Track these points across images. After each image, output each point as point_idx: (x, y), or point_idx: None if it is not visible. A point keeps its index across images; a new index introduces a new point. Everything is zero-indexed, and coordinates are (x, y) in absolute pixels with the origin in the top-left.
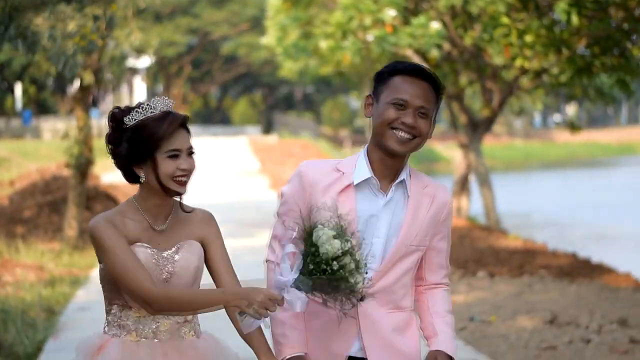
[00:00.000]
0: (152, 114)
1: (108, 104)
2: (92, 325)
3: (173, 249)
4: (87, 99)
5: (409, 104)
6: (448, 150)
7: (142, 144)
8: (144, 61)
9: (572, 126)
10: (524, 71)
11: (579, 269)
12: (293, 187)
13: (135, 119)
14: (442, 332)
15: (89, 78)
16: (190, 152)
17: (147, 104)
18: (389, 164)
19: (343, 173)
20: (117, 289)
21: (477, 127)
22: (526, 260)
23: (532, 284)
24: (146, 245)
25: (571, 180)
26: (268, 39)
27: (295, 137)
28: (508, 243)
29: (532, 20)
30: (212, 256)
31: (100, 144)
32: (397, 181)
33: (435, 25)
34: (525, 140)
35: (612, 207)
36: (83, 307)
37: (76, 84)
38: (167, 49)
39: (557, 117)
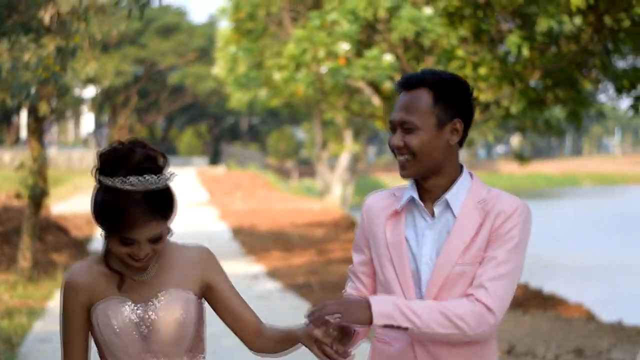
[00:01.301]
0: (122, 187)
1: (53, 134)
2: (54, 357)
3: (153, 301)
4: (42, 130)
5: (394, 123)
6: (393, 181)
7: (97, 214)
8: (90, 91)
9: (521, 158)
10: (477, 103)
11: (531, 300)
12: (358, 224)
13: (104, 183)
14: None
15: (44, 108)
16: (156, 239)
17: (136, 179)
18: (424, 185)
19: (397, 197)
20: (101, 352)
21: None
22: None
23: None
24: (122, 298)
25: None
26: (218, 70)
27: (242, 168)
28: None
29: (486, 53)
30: (220, 295)
31: (51, 174)
32: (439, 201)
33: (388, 58)
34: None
35: (556, 238)
36: (43, 339)
37: (23, 114)
38: (114, 78)
39: (501, 149)
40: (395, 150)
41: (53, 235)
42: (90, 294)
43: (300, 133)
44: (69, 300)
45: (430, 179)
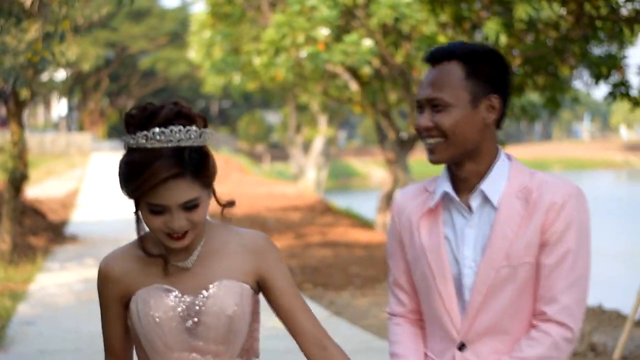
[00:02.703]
0: (152, 146)
1: (24, 118)
2: (40, 339)
3: (203, 292)
4: (22, 114)
5: (421, 102)
6: (364, 166)
7: (124, 180)
8: (61, 74)
9: (499, 143)
10: None
11: None
12: (389, 225)
13: (132, 144)
14: None
15: (25, 93)
16: (190, 206)
17: (161, 132)
18: (458, 174)
19: (429, 192)
20: (138, 344)
21: (405, 144)
22: None
23: None
24: (167, 286)
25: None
26: (194, 54)
27: (214, 151)
28: None
29: (467, 39)
30: (275, 291)
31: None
32: (474, 192)
33: (367, 43)
34: None
35: None
36: (28, 322)
37: None
38: (81, 62)
39: None
40: (424, 132)
41: (30, 218)
42: (127, 283)
43: (271, 117)
44: (103, 291)
45: (465, 165)
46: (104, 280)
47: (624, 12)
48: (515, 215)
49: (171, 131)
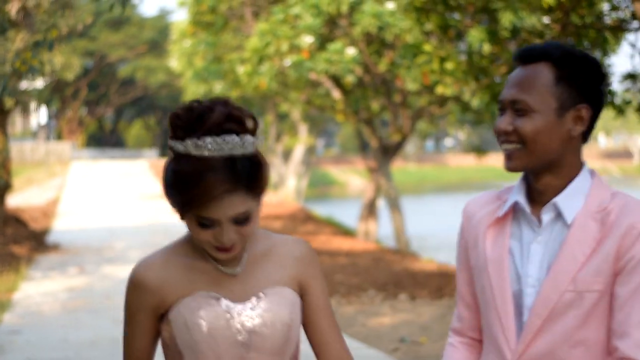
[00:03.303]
0: (196, 152)
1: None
2: (28, 348)
3: (253, 299)
4: (6, 122)
5: (504, 102)
6: (343, 174)
7: (167, 189)
8: (39, 83)
9: (478, 150)
10: (437, 98)
11: None
12: (458, 234)
13: (180, 150)
14: None
15: (10, 102)
16: (241, 220)
17: (212, 141)
18: (536, 185)
19: (502, 201)
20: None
21: (387, 152)
22: (444, 283)
23: (453, 305)
24: (215, 294)
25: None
26: (175, 63)
27: None
28: (423, 266)
29: (452, 48)
30: (311, 304)
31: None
32: (548, 204)
33: (351, 51)
34: (419, 164)
35: None
36: (14, 331)
37: None
38: (64, 71)
39: (449, 142)
40: (502, 135)
41: (12, 227)
42: (165, 293)
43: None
44: (133, 299)
45: (543, 177)
46: (137, 290)
47: (608, 20)
48: (588, 237)
49: (224, 140)
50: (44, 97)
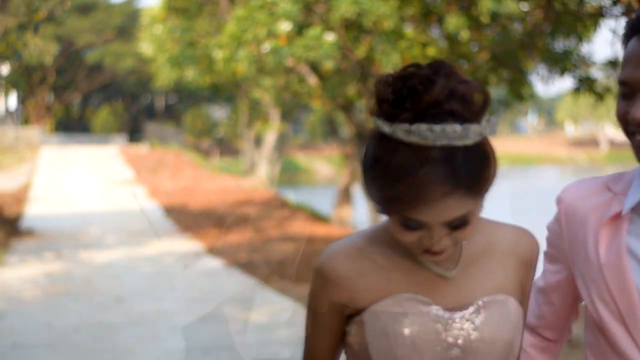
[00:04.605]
0: (406, 139)
1: None
2: (12, 334)
3: (469, 309)
4: None
5: (633, 85)
6: (310, 161)
7: (366, 176)
8: (5, 68)
9: None
10: None
11: None
12: (551, 222)
13: (386, 131)
14: None
15: None
16: (457, 225)
17: (429, 129)
18: None
19: (615, 193)
20: None
21: (363, 138)
22: None
23: None
24: (421, 298)
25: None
26: (146, 48)
27: (164, 146)
28: None
29: (432, 34)
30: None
31: None
32: None
33: (330, 37)
34: None
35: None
36: None
37: None
38: (44, 55)
39: None
40: (633, 125)
41: None
42: (356, 289)
43: (217, 112)
44: (320, 293)
45: None
46: (323, 283)
47: (588, 7)
48: None
49: (444, 131)
50: (13, 81)
